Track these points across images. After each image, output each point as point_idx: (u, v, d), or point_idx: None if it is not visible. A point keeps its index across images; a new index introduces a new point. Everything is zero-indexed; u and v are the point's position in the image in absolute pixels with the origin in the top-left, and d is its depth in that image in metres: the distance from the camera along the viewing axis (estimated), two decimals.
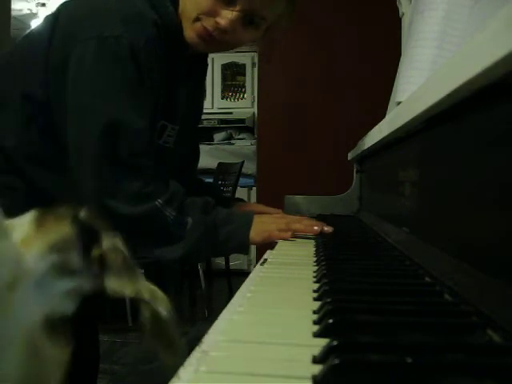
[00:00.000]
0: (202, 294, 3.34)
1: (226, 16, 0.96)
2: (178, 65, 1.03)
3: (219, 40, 1.00)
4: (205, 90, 1.32)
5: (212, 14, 0.97)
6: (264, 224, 0.99)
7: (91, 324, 1.13)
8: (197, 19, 0.98)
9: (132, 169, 0.91)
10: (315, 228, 1.00)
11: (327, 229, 1.01)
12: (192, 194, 1.00)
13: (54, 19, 0.96)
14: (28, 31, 1.07)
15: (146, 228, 0.92)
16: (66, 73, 0.90)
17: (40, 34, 0.97)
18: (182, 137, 1.10)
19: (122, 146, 0.89)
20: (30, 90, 0.95)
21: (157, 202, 0.91)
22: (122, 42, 0.88)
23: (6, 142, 0.95)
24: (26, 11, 5.20)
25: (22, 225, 0.47)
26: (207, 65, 1.20)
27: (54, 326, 0.44)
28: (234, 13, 0.96)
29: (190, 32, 1.00)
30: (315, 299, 0.53)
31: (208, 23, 0.98)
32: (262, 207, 1.23)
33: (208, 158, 4.31)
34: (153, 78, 0.94)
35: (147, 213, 0.91)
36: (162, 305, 0.49)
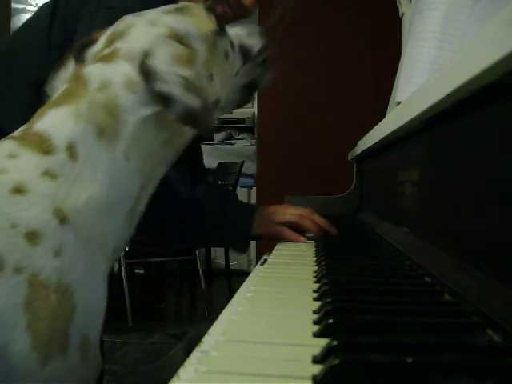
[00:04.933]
0: (202, 294, 3.34)
1: None
2: None
3: (236, 17, 1.00)
4: None
5: None
6: (269, 215, 0.99)
7: None
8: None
9: None
10: (321, 231, 1.00)
11: (332, 230, 1.00)
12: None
13: (53, 2, 0.95)
14: (27, 18, 1.05)
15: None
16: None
17: (40, 18, 0.96)
18: None
19: None
20: (32, 76, 0.94)
21: None
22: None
23: (10, 129, 0.95)
24: (25, 11, 5.19)
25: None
26: None
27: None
28: None
29: None
30: (315, 299, 0.53)
31: (232, 2, 0.98)
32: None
33: (208, 157, 4.29)
34: None
35: None
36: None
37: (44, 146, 0.60)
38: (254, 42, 0.82)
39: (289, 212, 1.01)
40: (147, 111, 0.65)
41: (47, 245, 0.53)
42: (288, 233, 0.98)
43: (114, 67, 0.67)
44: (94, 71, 0.67)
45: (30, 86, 0.94)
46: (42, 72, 0.93)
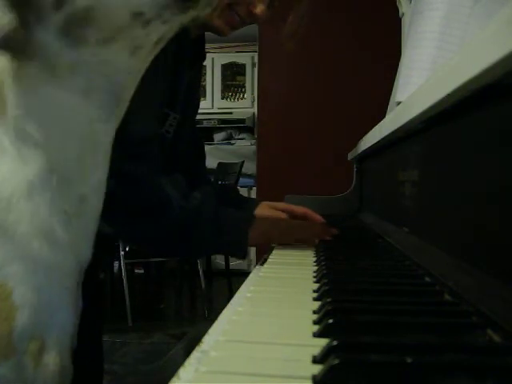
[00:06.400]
0: (202, 294, 3.34)
1: (261, 3, 0.96)
2: (184, 51, 1.01)
3: (247, 23, 1.00)
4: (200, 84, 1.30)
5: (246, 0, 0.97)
6: (265, 227, 0.97)
7: (95, 325, 1.12)
8: (227, 6, 0.97)
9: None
10: (316, 241, 0.97)
11: (333, 231, 0.99)
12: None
13: None
14: None
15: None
16: None
17: None
18: (182, 127, 1.08)
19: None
20: None
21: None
22: None
23: None
24: None
25: None
26: (205, 52, 1.19)
27: None
28: None
29: (217, 21, 0.99)
30: (315, 299, 0.53)
31: (242, 11, 0.97)
32: (283, 205, 1.19)
33: (208, 157, 4.27)
34: (164, 63, 0.92)
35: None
36: None
37: None
38: None
39: (288, 232, 0.99)
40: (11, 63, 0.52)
41: None
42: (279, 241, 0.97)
43: None
44: None
45: None
46: None
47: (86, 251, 0.58)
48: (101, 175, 0.59)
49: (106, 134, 0.59)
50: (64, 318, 0.53)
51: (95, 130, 0.57)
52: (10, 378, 0.48)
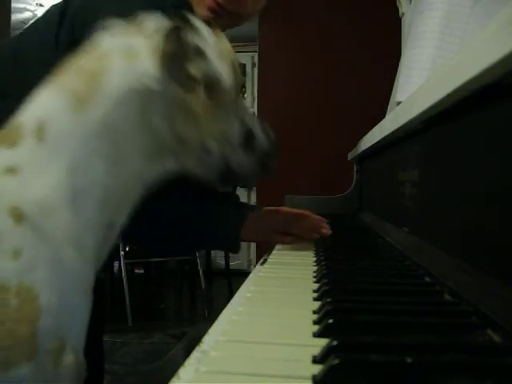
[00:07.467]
0: (202, 294, 3.34)
1: None
2: None
3: (230, 11, 0.99)
4: None
5: None
6: (260, 221, 0.98)
7: (95, 325, 1.12)
8: None
9: None
10: (314, 235, 0.96)
11: (325, 231, 0.98)
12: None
13: (64, 2, 0.94)
14: (34, 21, 1.05)
15: None
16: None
17: (49, 18, 0.96)
18: None
19: None
20: (40, 76, 0.94)
21: None
22: None
23: None
24: (26, 12, 5.18)
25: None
26: None
27: None
28: None
29: (201, 9, 0.99)
30: (315, 299, 0.53)
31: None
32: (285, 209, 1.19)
33: None
34: None
35: None
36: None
37: (12, 137, 0.56)
38: (260, 134, 0.74)
39: (279, 220, 0.99)
40: (134, 83, 0.59)
41: (4, 246, 0.50)
42: (276, 238, 0.97)
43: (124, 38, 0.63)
44: (104, 41, 0.64)
45: (38, 86, 0.93)
46: (51, 72, 0.93)
47: (101, 261, 0.62)
48: (132, 209, 0.64)
49: (151, 176, 0.65)
50: (81, 320, 0.55)
51: (145, 172, 0.63)
52: (32, 378, 0.49)
